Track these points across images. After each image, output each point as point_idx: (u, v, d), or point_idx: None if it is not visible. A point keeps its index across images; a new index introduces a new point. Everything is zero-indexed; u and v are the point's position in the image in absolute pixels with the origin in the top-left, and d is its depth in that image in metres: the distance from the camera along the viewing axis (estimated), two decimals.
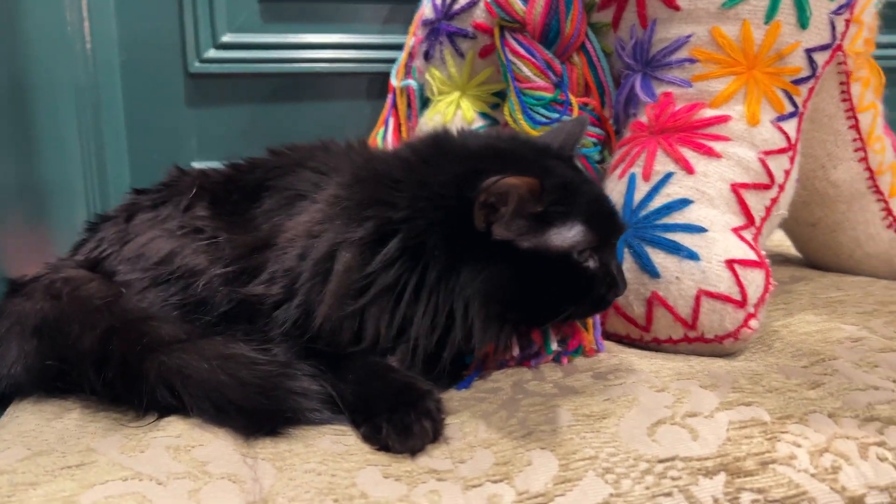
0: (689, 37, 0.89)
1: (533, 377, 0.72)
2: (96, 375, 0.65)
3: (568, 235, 0.68)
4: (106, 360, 0.66)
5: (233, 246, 0.81)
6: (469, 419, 0.65)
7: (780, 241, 1.23)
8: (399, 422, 0.60)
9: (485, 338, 0.67)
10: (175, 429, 0.61)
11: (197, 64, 1.32)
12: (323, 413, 0.64)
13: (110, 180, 1.26)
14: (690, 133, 0.87)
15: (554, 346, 0.74)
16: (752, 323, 0.78)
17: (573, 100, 0.99)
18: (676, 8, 0.89)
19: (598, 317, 0.79)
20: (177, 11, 1.30)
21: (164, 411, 0.64)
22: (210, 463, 0.56)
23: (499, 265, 0.66)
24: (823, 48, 0.89)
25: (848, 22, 0.91)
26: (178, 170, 0.95)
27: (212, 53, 1.33)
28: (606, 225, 0.72)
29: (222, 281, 0.77)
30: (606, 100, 1.02)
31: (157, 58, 1.31)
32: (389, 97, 1.29)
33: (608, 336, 0.85)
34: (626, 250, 0.83)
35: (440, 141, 0.78)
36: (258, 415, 0.62)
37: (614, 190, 0.90)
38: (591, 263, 0.70)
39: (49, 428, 0.63)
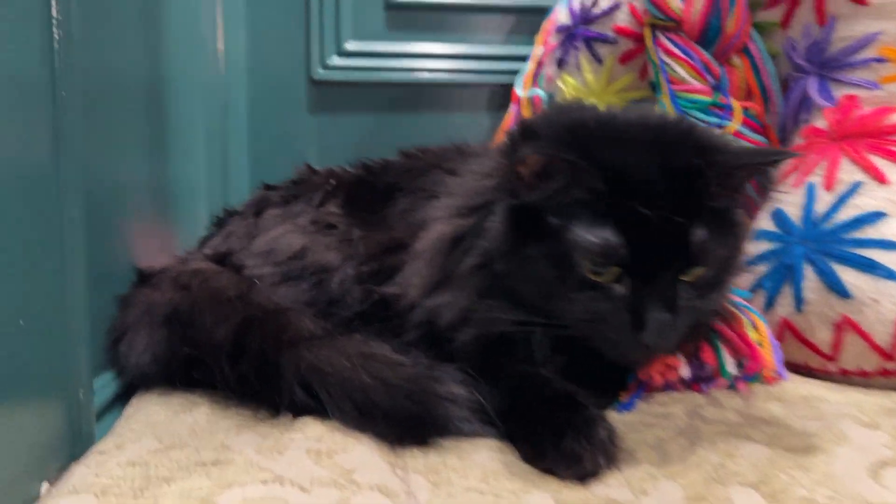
0: (877, 34, 0.80)
1: (707, 403, 0.63)
2: (231, 368, 0.60)
3: (585, 235, 0.55)
4: (241, 352, 0.61)
5: (366, 244, 0.77)
6: (640, 445, 0.56)
7: None
8: (569, 450, 0.52)
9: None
10: (313, 431, 0.55)
11: (320, 71, 1.30)
12: (473, 423, 0.57)
13: (231, 182, 1.25)
14: (880, 139, 0.77)
15: (731, 370, 0.65)
16: None
17: (735, 104, 0.90)
18: (863, 3, 0.80)
19: (775, 339, 0.68)
20: (303, 18, 1.29)
21: (299, 411, 0.58)
22: (356, 471, 0.50)
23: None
24: None
25: None
26: (308, 168, 0.93)
27: (335, 61, 1.31)
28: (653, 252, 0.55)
29: (355, 279, 0.73)
30: (770, 106, 0.93)
31: (281, 63, 1.30)
32: (513, 107, 1.23)
33: None
34: (806, 266, 0.73)
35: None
36: (406, 421, 0.55)
37: (788, 200, 0.80)
38: (618, 288, 0.56)
39: (179, 421, 0.59)
